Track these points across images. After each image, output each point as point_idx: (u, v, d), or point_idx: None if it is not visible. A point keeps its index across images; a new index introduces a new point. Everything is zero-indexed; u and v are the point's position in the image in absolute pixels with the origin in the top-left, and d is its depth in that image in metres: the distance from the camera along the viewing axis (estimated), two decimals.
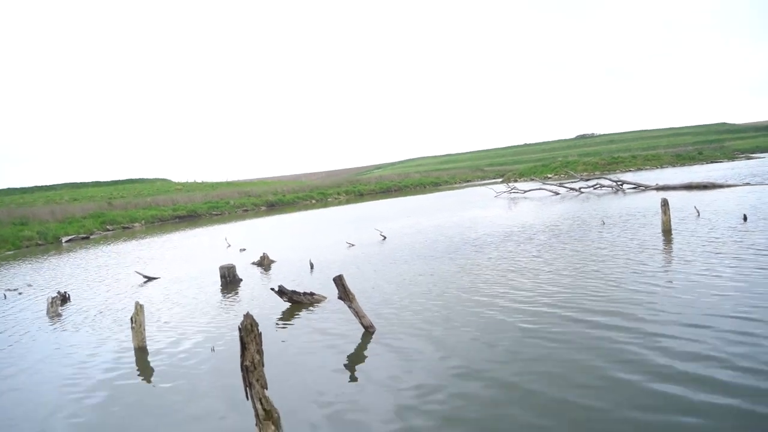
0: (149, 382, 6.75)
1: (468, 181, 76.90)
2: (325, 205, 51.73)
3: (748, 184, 24.31)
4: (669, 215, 13.37)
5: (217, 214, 49.19)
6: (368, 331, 7.50)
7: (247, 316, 4.48)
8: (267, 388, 4.49)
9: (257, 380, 4.41)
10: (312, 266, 13.75)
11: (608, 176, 35.89)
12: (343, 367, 6.41)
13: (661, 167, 53.70)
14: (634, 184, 29.29)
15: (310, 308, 9.40)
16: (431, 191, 59.65)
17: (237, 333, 4.58)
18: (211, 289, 12.40)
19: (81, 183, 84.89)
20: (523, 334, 6.70)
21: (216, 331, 8.63)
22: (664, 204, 13.36)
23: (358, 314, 7.64)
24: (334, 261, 14.37)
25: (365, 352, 6.86)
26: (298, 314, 9.14)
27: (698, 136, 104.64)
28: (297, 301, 9.72)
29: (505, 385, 5.30)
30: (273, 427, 4.42)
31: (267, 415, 4.41)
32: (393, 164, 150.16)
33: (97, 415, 5.82)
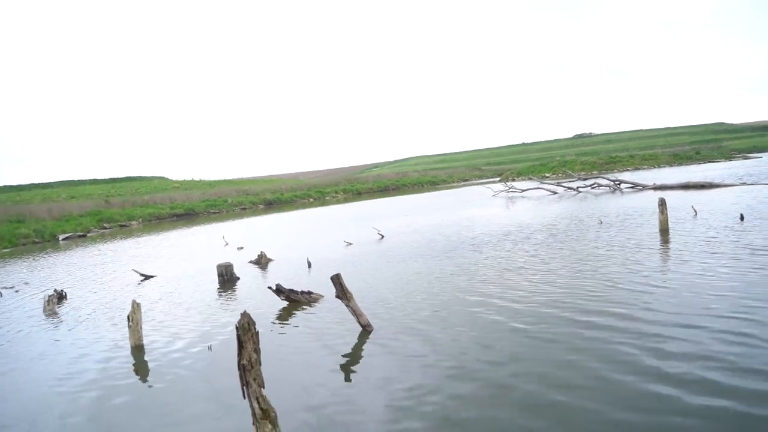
0: (146, 380, 6.73)
1: (466, 180, 76.96)
2: (323, 203, 51.72)
3: (745, 183, 24.38)
4: (666, 215, 13.40)
5: (214, 213, 49.12)
6: (366, 330, 7.50)
7: (245, 315, 4.47)
8: (264, 387, 4.48)
9: (254, 379, 4.41)
10: (310, 265, 13.74)
11: (606, 176, 35.94)
12: (341, 367, 6.40)
13: (659, 167, 53.80)
14: (632, 184, 29.35)
15: (308, 307, 9.40)
16: (429, 190, 59.67)
17: (234, 331, 4.57)
18: (208, 287, 12.38)
19: (78, 181, 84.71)
20: (519, 335, 6.70)
21: (213, 329, 8.62)
22: (662, 203, 13.38)
23: (356, 313, 7.64)
24: (332, 260, 14.36)
25: (362, 351, 6.85)
26: (295, 313, 9.13)
27: (695, 135, 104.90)
28: (294, 300, 9.71)
29: (501, 386, 5.28)
30: (270, 426, 4.42)
31: (264, 414, 4.41)
32: (391, 163, 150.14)
33: (91, 414, 5.80)
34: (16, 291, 14.77)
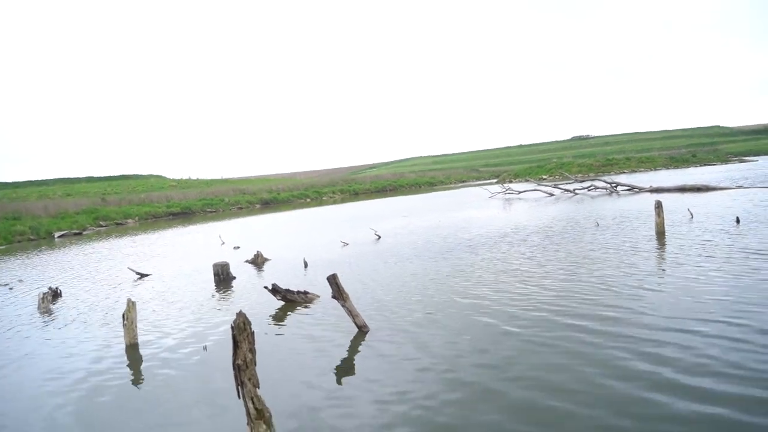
0: (140, 379, 6.70)
1: (463, 182, 77.02)
2: (320, 203, 51.68)
3: (740, 187, 24.48)
4: (662, 217, 13.43)
5: (211, 212, 49.03)
6: (361, 331, 7.49)
7: (240, 315, 4.46)
8: (259, 387, 4.47)
9: (249, 379, 4.40)
10: (306, 265, 13.72)
11: (602, 178, 36.05)
12: (336, 367, 6.39)
13: (655, 169, 53.99)
14: (628, 186, 29.43)
15: (304, 307, 9.38)
16: (426, 191, 59.71)
17: (229, 331, 4.56)
18: (204, 286, 12.35)
19: (74, 178, 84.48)
20: (513, 338, 6.67)
21: (208, 329, 8.60)
22: (658, 206, 13.41)
23: (352, 313, 7.63)
24: (329, 260, 14.35)
25: (358, 352, 6.84)
26: (291, 313, 9.12)
27: (692, 138, 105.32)
28: (290, 300, 9.69)
29: (493, 391, 5.25)
30: (264, 427, 4.41)
31: (258, 414, 4.40)
32: (388, 164, 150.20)
33: (81, 414, 5.76)
34: (11, 288, 14.70)
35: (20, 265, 20.75)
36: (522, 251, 12.84)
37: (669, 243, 12.02)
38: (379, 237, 18.14)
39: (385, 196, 55.53)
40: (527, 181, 51.58)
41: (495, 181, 60.83)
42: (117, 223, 41.40)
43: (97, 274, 16.17)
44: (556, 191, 32.86)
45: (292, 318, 8.83)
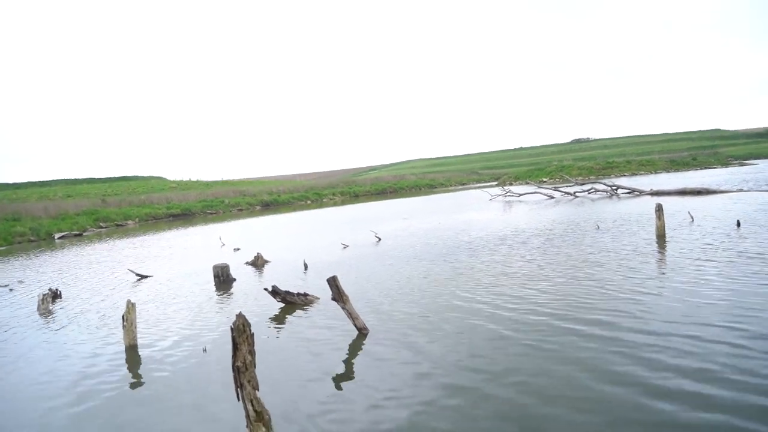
0: (139, 381, 6.69)
1: (463, 184, 77.03)
2: (321, 205, 51.68)
3: (741, 190, 24.47)
4: (663, 220, 13.42)
5: (211, 213, 49.04)
6: (361, 333, 7.48)
7: (240, 316, 4.46)
8: (258, 389, 4.46)
9: (249, 381, 4.39)
10: (306, 267, 13.71)
11: (603, 181, 36.06)
12: (336, 369, 6.38)
13: (656, 172, 54.02)
14: (629, 189, 29.44)
15: (304, 309, 9.37)
16: (426, 193, 59.69)
17: (229, 333, 4.55)
18: (204, 288, 12.34)
19: (75, 179, 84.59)
20: (512, 343, 6.62)
21: (208, 330, 8.58)
22: (659, 209, 13.40)
23: (352, 316, 7.62)
24: (329, 262, 14.34)
25: (358, 355, 6.83)
26: (291, 315, 9.10)
27: (692, 142, 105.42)
28: (290, 302, 9.68)
29: (493, 397, 5.20)
30: (264, 429, 4.40)
31: (258, 416, 4.39)
32: (388, 166, 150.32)
33: (82, 415, 5.75)
34: (11, 290, 14.69)
35: (20, 266, 20.75)
36: (522, 254, 12.83)
37: (669, 246, 12.00)
38: (380, 239, 18.13)
39: (386, 198, 55.55)
40: (527, 183, 51.60)
41: (495, 183, 60.86)
42: (117, 225, 41.41)
43: (97, 275, 16.16)
44: (557, 194, 32.87)
45: (291, 320, 8.82)
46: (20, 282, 15.99)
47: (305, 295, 9.82)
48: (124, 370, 7.15)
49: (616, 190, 29.91)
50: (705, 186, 26.35)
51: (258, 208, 53.83)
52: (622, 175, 52.08)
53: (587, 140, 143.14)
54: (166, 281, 13.83)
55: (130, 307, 7.98)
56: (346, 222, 28.30)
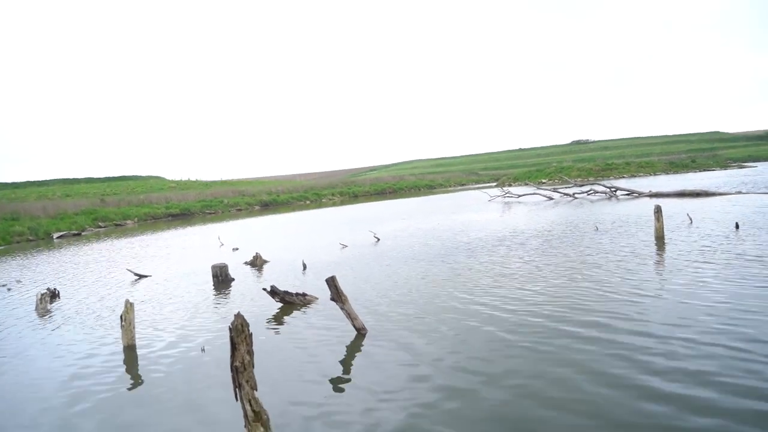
0: (137, 381, 6.68)
1: (463, 185, 77.08)
2: (320, 205, 51.68)
3: (740, 192, 24.51)
4: (662, 222, 13.43)
5: (210, 213, 49.03)
6: (360, 333, 7.48)
7: (238, 316, 4.45)
8: (257, 389, 4.46)
9: (247, 381, 4.38)
10: (305, 267, 13.71)
11: (602, 182, 36.11)
12: (334, 370, 6.37)
13: (655, 174, 54.08)
14: (628, 191, 29.47)
15: (302, 309, 9.37)
16: (426, 194, 59.71)
17: (227, 333, 4.55)
18: (202, 288, 12.33)
19: (73, 179, 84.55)
20: (510, 345, 6.59)
21: (206, 330, 8.58)
22: (657, 211, 13.41)
23: (351, 316, 7.62)
24: (327, 262, 14.34)
25: (356, 355, 6.83)
26: (289, 315, 9.10)
27: (691, 144, 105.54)
28: (289, 302, 9.68)
29: (489, 400, 5.19)
30: (262, 429, 4.39)
31: (256, 416, 4.38)
32: (388, 166, 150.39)
33: (78, 415, 5.74)
34: (9, 289, 14.68)
35: (18, 265, 20.72)
36: (520, 255, 12.83)
37: (668, 248, 12.01)
38: (378, 239, 18.13)
39: (385, 198, 55.56)
40: (527, 184, 51.66)
41: (494, 184, 60.90)
42: (116, 224, 41.39)
43: (95, 275, 16.15)
44: (556, 195, 32.89)
45: (290, 320, 8.81)
46: (18, 281, 15.96)
47: (304, 295, 9.82)
48: (122, 370, 7.13)
49: (615, 191, 29.94)
50: (704, 188, 26.39)
51: (257, 208, 53.82)
52: (621, 177, 52.16)
53: (587, 142, 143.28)
54: (165, 281, 13.82)
55: (128, 306, 7.98)
56: (345, 222, 28.31)
